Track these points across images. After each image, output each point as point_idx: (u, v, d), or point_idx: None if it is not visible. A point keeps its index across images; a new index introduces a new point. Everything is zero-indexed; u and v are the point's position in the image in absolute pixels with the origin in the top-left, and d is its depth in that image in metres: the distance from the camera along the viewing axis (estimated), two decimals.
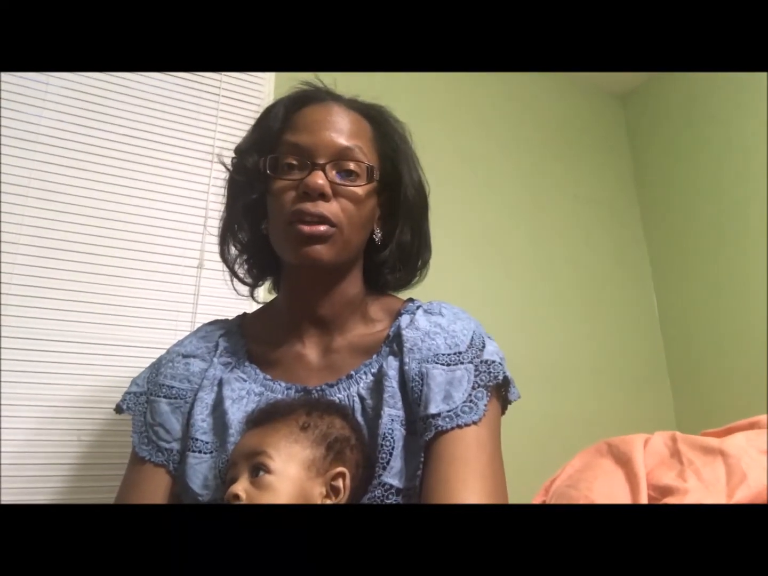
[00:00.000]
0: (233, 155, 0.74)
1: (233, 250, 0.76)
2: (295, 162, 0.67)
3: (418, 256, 0.78)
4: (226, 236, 0.76)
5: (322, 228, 0.65)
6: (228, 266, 0.77)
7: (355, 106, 0.73)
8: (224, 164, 0.75)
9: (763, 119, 1.54)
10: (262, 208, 0.71)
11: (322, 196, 0.65)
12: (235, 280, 0.78)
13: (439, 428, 0.60)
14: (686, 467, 0.83)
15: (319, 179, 0.64)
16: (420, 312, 0.71)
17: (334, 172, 0.67)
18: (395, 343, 0.68)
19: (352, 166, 0.67)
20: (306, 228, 0.64)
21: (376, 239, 0.74)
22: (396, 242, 0.74)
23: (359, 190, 0.68)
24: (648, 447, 0.91)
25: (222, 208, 0.77)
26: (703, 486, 0.78)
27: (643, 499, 0.81)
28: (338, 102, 0.72)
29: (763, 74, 1.54)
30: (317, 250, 0.65)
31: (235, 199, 0.74)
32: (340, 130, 0.68)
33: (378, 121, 0.74)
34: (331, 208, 0.65)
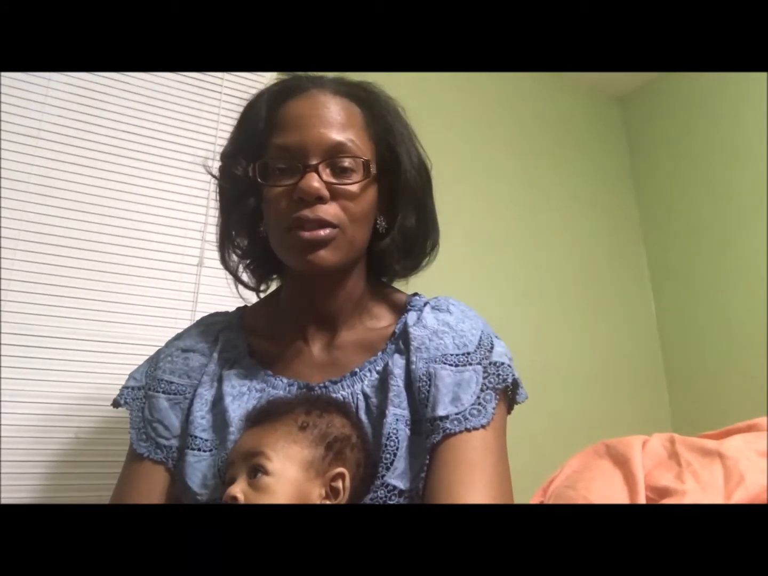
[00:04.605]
0: (219, 161, 0.72)
1: (234, 257, 0.74)
2: (285, 166, 0.64)
3: (426, 239, 0.74)
4: (224, 243, 0.73)
5: (324, 232, 0.62)
6: (231, 273, 0.75)
7: (342, 90, 0.68)
8: (211, 173, 0.73)
9: (763, 121, 1.54)
10: (258, 211, 0.69)
11: (320, 200, 0.62)
12: (239, 285, 0.76)
13: (447, 431, 0.59)
14: (684, 469, 0.83)
15: (314, 182, 0.61)
16: (427, 309, 0.70)
17: (328, 171, 0.63)
18: (401, 340, 0.67)
19: (346, 162, 0.64)
20: (306, 234, 0.62)
21: (380, 228, 0.70)
22: (399, 229, 0.70)
23: (356, 187, 0.64)
24: (646, 448, 0.91)
25: (217, 214, 0.74)
26: (700, 488, 0.78)
27: (641, 500, 0.81)
28: (322, 89, 0.67)
29: (763, 74, 1.54)
30: (321, 255, 0.63)
31: (229, 207, 0.71)
32: (329, 123, 0.64)
33: (368, 103, 0.69)
34: (330, 210, 0.63)
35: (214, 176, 0.73)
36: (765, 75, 1.54)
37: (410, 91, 1.49)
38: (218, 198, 0.73)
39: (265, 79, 1.31)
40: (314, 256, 0.63)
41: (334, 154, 0.64)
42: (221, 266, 0.76)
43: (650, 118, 1.93)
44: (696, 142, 1.75)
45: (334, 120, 0.65)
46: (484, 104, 1.71)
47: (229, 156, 0.70)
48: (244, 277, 0.76)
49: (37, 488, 0.94)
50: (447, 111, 1.63)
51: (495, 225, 1.62)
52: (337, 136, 0.64)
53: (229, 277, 0.76)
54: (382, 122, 0.70)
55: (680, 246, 1.77)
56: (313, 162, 0.63)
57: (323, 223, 0.62)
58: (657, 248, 1.85)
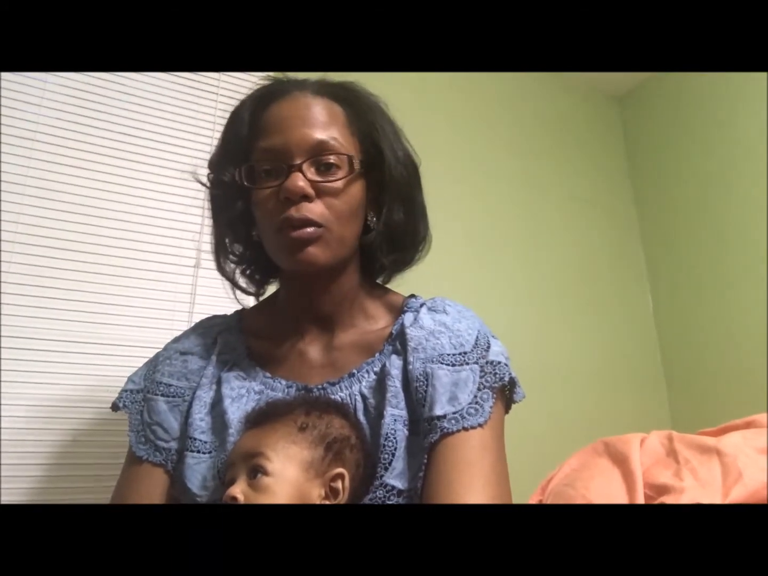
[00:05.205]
0: (207, 170, 0.72)
1: (230, 263, 0.74)
2: (270, 167, 0.65)
3: (415, 233, 0.74)
4: (219, 251, 0.73)
5: (310, 230, 0.63)
6: (228, 279, 0.75)
7: (323, 90, 0.69)
8: (200, 181, 0.73)
9: (761, 120, 1.54)
10: (250, 216, 0.69)
11: (305, 198, 0.63)
12: (237, 291, 0.76)
13: (445, 430, 0.59)
14: (682, 466, 0.83)
15: (298, 181, 0.62)
16: (424, 310, 0.70)
17: (312, 169, 0.64)
18: (398, 341, 0.67)
19: (331, 158, 0.64)
20: (293, 233, 0.63)
21: (371, 224, 0.70)
22: (384, 223, 0.70)
23: (341, 184, 0.65)
24: (644, 446, 0.91)
25: (210, 221, 0.75)
26: (699, 485, 0.79)
27: (640, 498, 0.81)
28: (304, 91, 0.68)
29: (763, 74, 1.54)
30: (311, 253, 0.63)
31: (221, 214, 0.72)
32: (312, 123, 0.65)
33: (350, 102, 0.69)
34: (315, 208, 0.63)
35: (203, 185, 0.73)
36: (764, 75, 1.54)
37: (410, 91, 1.51)
38: (210, 206, 0.74)
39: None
40: (303, 255, 0.63)
41: (317, 152, 0.64)
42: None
43: (648, 118, 1.93)
44: (694, 141, 1.75)
45: (316, 120, 0.65)
46: (484, 104, 1.71)
47: (216, 163, 0.71)
48: (242, 282, 0.77)
49: (29, 491, 0.94)
50: (447, 111, 1.63)
51: (495, 225, 1.62)
52: (319, 134, 0.65)
53: (228, 285, 0.76)
54: (365, 119, 0.70)
55: (678, 245, 1.77)
56: (297, 161, 0.63)
57: (309, 222, 0.63)
58: (655, 247, 1.85)
